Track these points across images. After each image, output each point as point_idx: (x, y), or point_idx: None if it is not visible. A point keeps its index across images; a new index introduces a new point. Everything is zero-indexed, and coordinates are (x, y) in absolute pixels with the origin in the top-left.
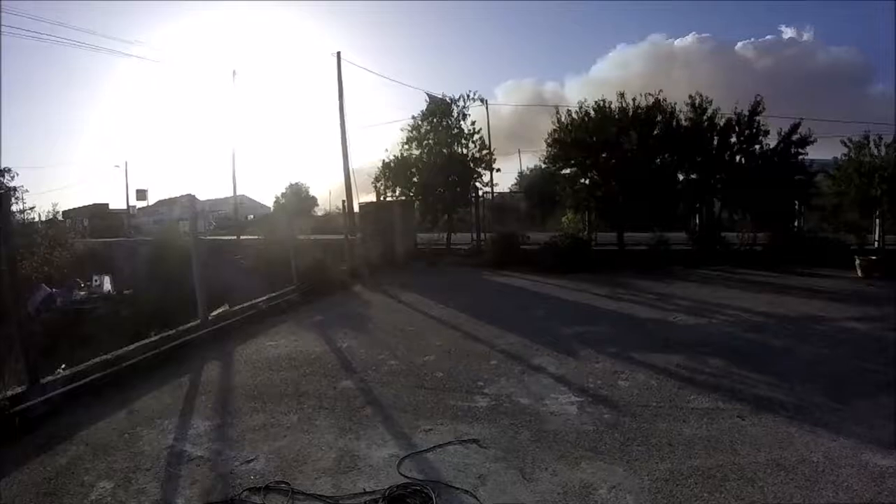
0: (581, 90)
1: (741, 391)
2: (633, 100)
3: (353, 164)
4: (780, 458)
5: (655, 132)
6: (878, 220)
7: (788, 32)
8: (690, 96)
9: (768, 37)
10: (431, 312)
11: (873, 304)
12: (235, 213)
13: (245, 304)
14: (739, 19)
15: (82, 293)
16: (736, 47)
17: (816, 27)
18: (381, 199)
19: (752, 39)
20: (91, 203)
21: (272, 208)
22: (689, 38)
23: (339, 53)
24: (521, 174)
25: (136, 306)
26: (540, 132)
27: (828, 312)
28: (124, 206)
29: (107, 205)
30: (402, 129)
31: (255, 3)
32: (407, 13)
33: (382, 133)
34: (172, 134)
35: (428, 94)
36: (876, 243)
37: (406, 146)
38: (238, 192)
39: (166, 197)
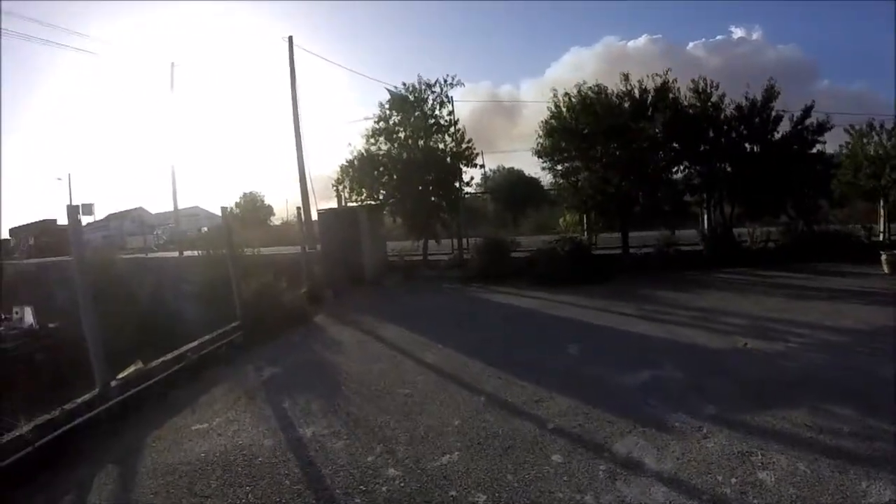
0: (537, 93)
1: None
2: (640, 82)
3: (312, 172)
4: None
5: (665, 119)
6: (882, 211)
7: (738, 32)
8: (693, 80)
9: (719, 37)
10: (427, 358)
11: None
12: (177, 224)
13: (168, 357)
14: (690, 21)
15: (0, 329)
16: (687, 47)
17: (764, 27)
18: (345, 204)
19: (703, 39)
20: (39, 219)
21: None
22: (642, 40)
23: (290, 38)
24: (485, 176)
25: (60, 346)
26: (498, 134)
27: None
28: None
29: (55, 220)
30: (366, 119)
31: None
32: (365, 15)
33: (342, 136)
34: (121, 143)
35: (388, 90)
36: (881, 235)
37: (372, 140)
38: (193, 203)
39: (117, 211)
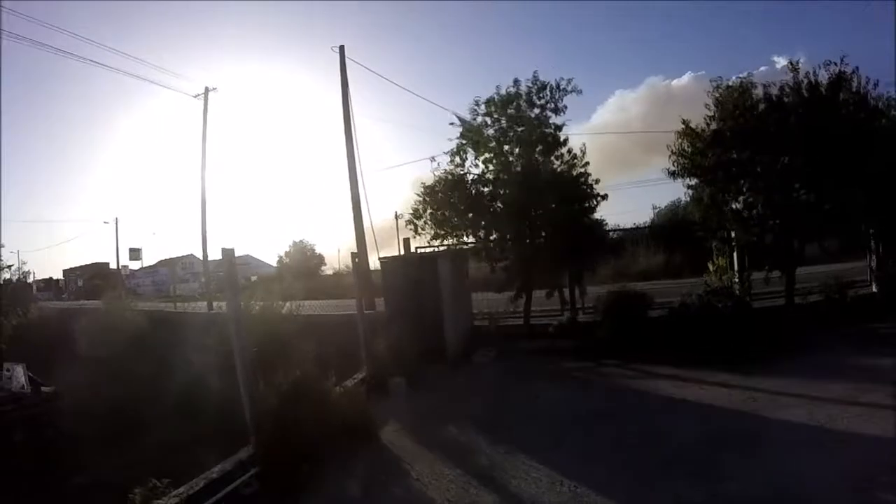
0: (584, 137)
1: None
2: (810, 74)
3: (367, 222)
4: None
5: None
6: None
7: (781, 61)
8: (844, 76)
9: (762, 68)
10: None
11: None
12: (206, 270)
13: None
14: (731, 53)
15: None
16: (730, 81)
17: (807, 53)
18: (415, 250)
19: (747, 73)
20: (91, 262)
21: (276, 268)
22: (686, 78)
23: (342, 47)
24: None
25: (48, 417)
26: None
27: None
28: (122, 266)
29: (107, 264)
30: (450, 124)
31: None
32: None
33: (398, 184)
34: (175, 190)
35: (458, 116)
36: None
37: (457, 158)
38: (244, 252)
39: (167, 257)
